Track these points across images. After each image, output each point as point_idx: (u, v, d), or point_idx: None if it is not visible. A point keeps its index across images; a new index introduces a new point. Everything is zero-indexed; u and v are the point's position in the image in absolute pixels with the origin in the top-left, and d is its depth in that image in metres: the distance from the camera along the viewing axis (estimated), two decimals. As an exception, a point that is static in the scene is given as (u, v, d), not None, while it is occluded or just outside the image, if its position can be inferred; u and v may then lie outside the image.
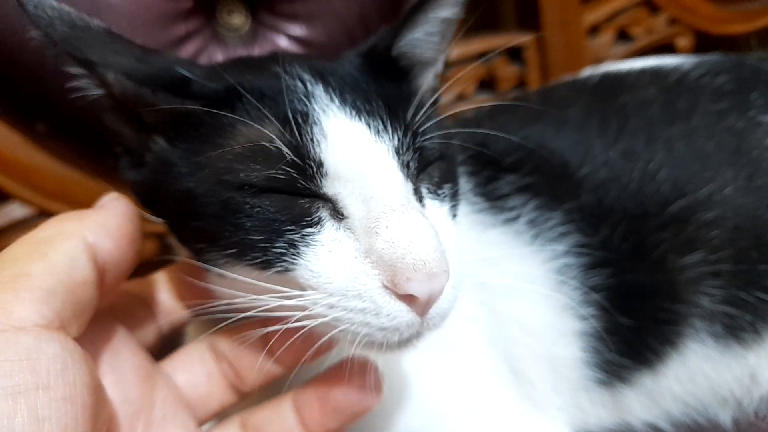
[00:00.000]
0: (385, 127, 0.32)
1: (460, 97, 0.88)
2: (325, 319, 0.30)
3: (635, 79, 0.50)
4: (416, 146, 0.33)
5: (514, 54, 0.88)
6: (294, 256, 0.31)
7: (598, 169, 0.45)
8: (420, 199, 0.34)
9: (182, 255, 0.41)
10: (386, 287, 0.30)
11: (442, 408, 0.43)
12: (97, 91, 0.33)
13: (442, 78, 0.41)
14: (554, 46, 0.88)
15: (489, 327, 0.44)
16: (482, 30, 0.87)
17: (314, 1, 0.71)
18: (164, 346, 0.40)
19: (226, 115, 0.32)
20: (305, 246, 0.31)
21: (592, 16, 0.89)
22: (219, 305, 0.34)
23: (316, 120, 0.31)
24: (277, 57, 0.36)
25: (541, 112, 0.50)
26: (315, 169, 0.31)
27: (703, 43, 0.93)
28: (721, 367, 0.44)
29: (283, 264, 0.31)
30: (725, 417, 0.47)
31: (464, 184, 0.46)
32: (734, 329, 0.44)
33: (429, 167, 0.35)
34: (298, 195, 0.31)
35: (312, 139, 0.31)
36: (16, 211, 0.68)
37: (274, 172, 0.30)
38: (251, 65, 0.36)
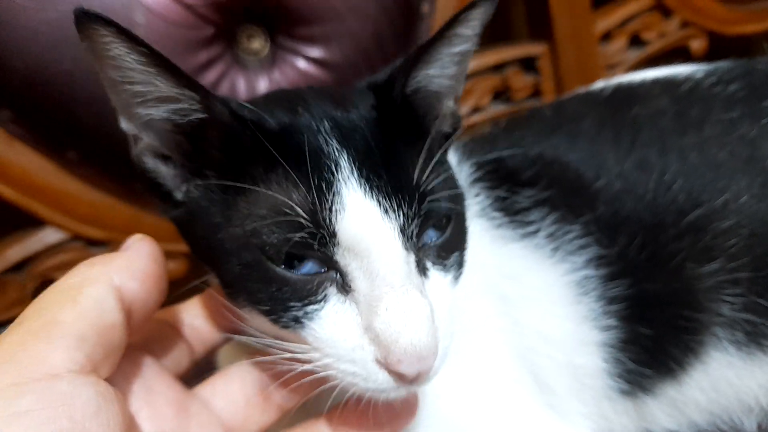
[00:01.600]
0: (392, 204, 0.33)
1: (476, 109, 0.89)
2: (323, 373, 0.34)
3: (647, 90, 0.51)
4: (422, 213, 0.34)
5: (528, 64, 0.89)
6: (298, 326, 0.34)
7: (613, 181, 0.45)
8: (424, 269, 0.35)
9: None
10: (379, 361, 0.32)
11: (468, 417, 0.44)
12: (198, 115, 0.34)
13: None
14: (567, 55, 0.89)
15: (512, 338, 0.45)
16: (495, 42, 0.88)
17: (330, 24, 0.73)
18: (199, 369, 0.42)
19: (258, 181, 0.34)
20: (308, 320, 0.33)
21: (604, 22, 0.89)
22: (247, 337, 0.36)
23: (338, 190, 0.32)
24: (310, 108, 0.36)
25: (555, 126, 0.50)
26: (328, 239, 0.32)
27: (717, 44, 0.93)
28: (745, 374, 0.44)
29: (289, 327, 0.34)
30: (750, 425, 0.47)
31: (483, 200, 0.47)
32: (756, 336, 0.44)
33: (437, 235, 0.36)
34: (311, 260, 0.33)
35: (330, 209, 0.32)
36: (50, 236, 0.71)
37: (291, 236, 0.32)
38: (290, 110, 0.36)
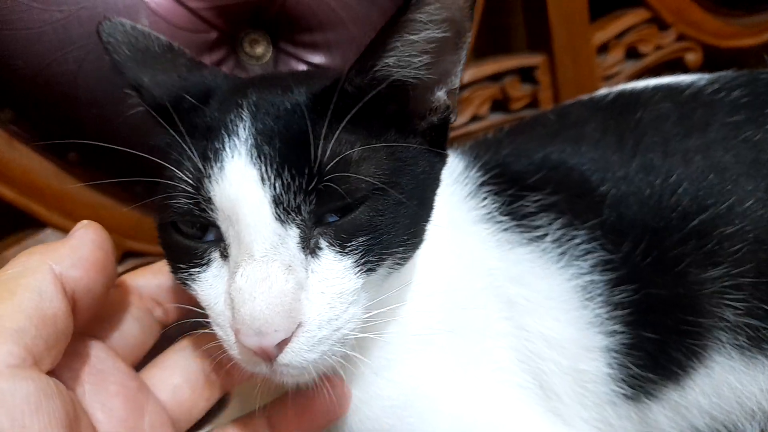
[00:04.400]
0: (271, 173, 0.32)
1: (475, 118, 0.90)
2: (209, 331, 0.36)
3: (650, 96, 0.51)
4: (311, 189, 0.32)
5: (526, 74, 0.90)
6: (187, 287, 0.36)
7: (617, 185, 0.46)
8: (313, 249, 0.33)
9: None
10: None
11: (469, 422, 0.43)
12: (140, 107, 0.39)
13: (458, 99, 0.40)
14: (565, 66, 0.90)
15: (516, 342, 0.45)
16: (494, 52, 0.89)
17: (332, 31, 0.73)
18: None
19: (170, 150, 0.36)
20: (192, 281, 0.35)
21: (601, 34, 0.90)
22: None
23: (221, 158, 0.33)
24: (248, 87, 0.37)
25: (559, 130, 0.51)
26: (206, 204, 0.33)
27: (713, 57, 0.95)
28: (747, 379, 0.45)
29: (184, 287, 0.36)
30: (753, 430, 0.47)
31: (489, 203, 0.47)
32: (759, 341, 0.44)
33: (349, 211, 0.34)
34: (198, 225, 0.35)
35: (211, 176, 0.33)
36: (49, 237, 0.70)
37: (178, 202, 0.34)
38: (237, 92, 0.37)
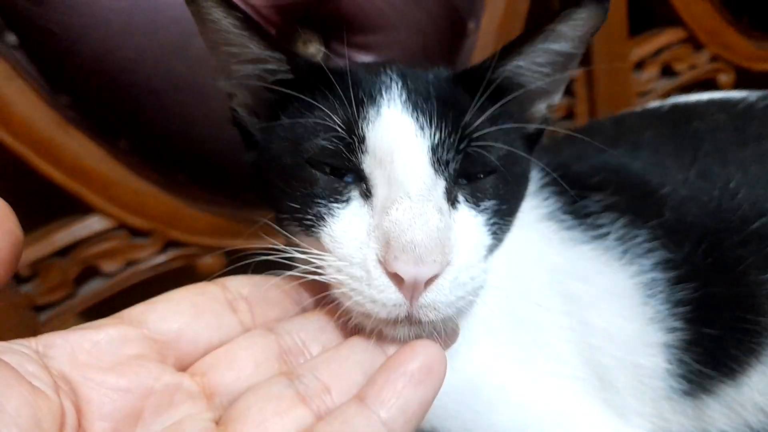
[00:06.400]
0: (429, 123, 0.35)
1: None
2: (332, 278, 0.35)
3: (705, 108, 0.53)
4: (461, 149, 0.35)
5: (563, 86, 0.92)
6: (320, 224, 0.36)
7: (678, 188, 0.47)
8: (453, 201, 0.36)
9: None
10: (380, 261, 0.33)
11: (533, 410, 0.44)
12: (283, 76, 0.39)
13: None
14: (601, 80, 0.92)
15: (576, 336, 0.46)
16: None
17: (382, 34, 0.75)
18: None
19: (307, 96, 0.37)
20: (330, 216, 0.35)
21: (639, 51, 0.92)
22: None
23: (378, 104, 0.36)
24: (390, 61, 0.41)
25: (617, 137, 0.52)
26: (357, 144, 0.35)
27: (744, 79, 0.97)
28: None
29: (312, 228, 0.36)
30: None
31: (552, 203, 0.48)
32: None
33: (481, 176, 0.37)
34: (340, 168, 0.36)
35: (366, 118, 0.35)
36: (96, 223, 0.71)
37: (326, 142, 0.35)
38: (375, 66, 0.41)
